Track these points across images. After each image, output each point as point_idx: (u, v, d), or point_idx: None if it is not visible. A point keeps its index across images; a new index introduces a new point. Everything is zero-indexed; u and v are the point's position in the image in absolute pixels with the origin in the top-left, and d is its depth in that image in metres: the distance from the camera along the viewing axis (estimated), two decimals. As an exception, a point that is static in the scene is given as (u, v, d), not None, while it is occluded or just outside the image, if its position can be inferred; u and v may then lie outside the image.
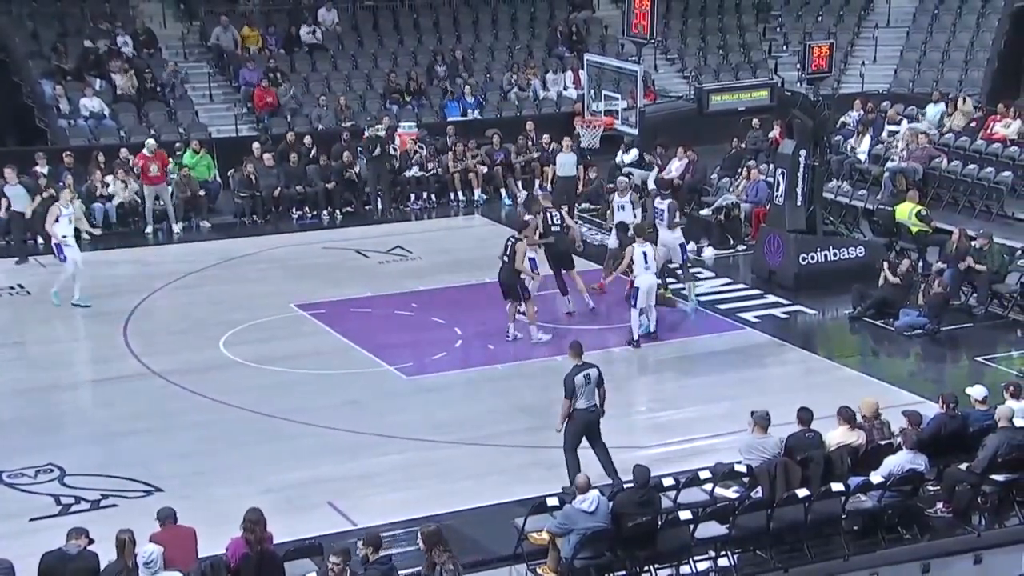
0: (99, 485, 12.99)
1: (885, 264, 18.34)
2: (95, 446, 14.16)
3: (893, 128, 24.13)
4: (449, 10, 31.45)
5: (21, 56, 26.51)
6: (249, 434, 14.35)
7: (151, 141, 22.92)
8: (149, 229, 22.59)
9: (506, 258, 16.66)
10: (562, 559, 10.95)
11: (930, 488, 12.50)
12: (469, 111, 27.99)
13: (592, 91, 20.20)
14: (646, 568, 11.18)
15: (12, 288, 19.33)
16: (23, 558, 10.09)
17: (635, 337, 16.76)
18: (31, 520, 11.98)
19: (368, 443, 14.07)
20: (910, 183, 21.41)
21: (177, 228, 22.69)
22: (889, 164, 22.57)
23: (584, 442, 12.80)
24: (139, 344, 17.07)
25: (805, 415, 12.31)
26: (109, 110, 25.67)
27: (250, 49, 28.14)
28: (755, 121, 24.45)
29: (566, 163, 22.72)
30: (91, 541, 10.12)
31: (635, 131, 19.96)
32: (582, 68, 23.14)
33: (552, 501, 11.44)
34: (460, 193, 24.86)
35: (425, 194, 24.75)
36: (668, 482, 12.01)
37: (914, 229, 20.06)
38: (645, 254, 16.75)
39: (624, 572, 11.18)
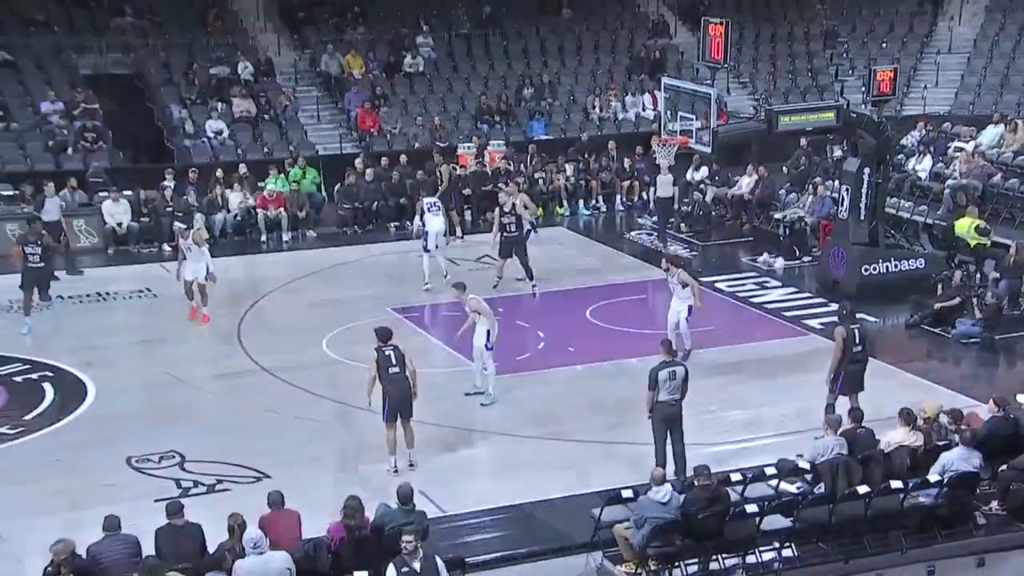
0: (215, 471, 13.19)
1: (939, 286, 18.09)
2: (212, 435, 14.35)
3: (962, 145, 23.59)
4: (537, 37, 31.51)
5: (155, 84, 27.14)
6: (348, 426, 14.44)
7: (271, 186, 23.30)
8: (263, 238, 22.97)
9: (396, 369, 13.10)
10: (633, 547, 10.89)
11: (985, 487, 12.25)
12: (558, 131, 28.03)
13: (668, 112, 20.07)
14: (714, 557, 11.08)
15: (140, 291, 19.75)
16: (148, 534, 10.28)
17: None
18: (155, 501, 12.10)
19: (457, 436, 14.12)
20: (970, 198, 20.98)
21: (286, 237, 23.04)
22: (950, 181, 22.15)
23: None
24: (251, 343, 17.32)
25: (857, 414, 12.58)
26: (228, 131, 26.15)
27: (354, 74, 28.48)
28: (803, 140, 24.16)
29: (663, 183, 22.62)
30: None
31: (708, 149, 19.80)
32: (659, 91, 23.04)
33: (626, 493, 11.39)
34: (542, 208, 24.94)
35: (512, 207, 24.80)
36: (736, 477, 11.91)
37: (972, 242, 19.67)
38: None
39: (695, 561, 11.10)
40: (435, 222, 19.91)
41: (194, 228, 18.44)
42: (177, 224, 19.35)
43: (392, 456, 13.11)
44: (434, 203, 20.38)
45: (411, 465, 13.22)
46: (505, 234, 19.29)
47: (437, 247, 19.88)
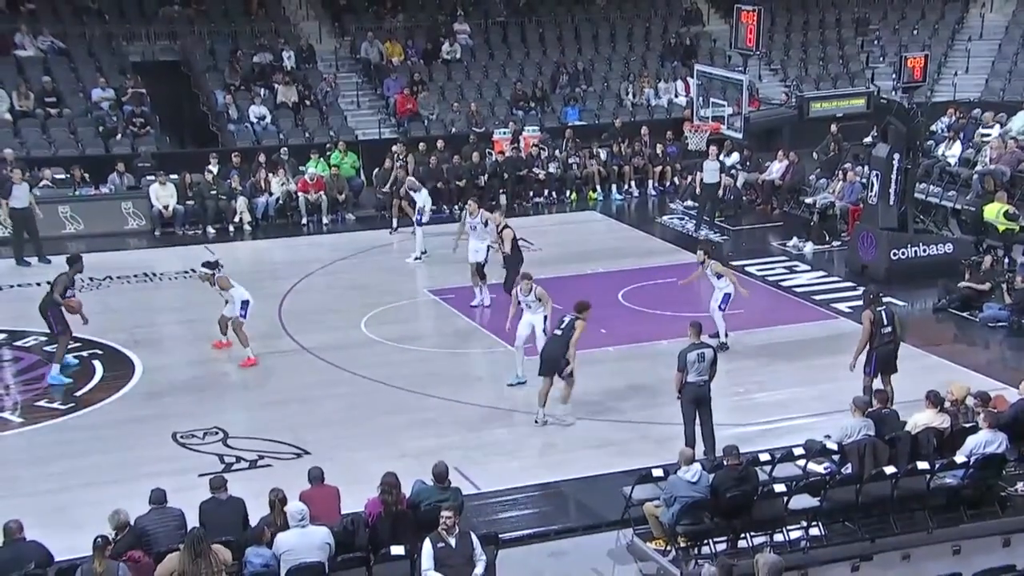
0: (256, 447, 13.28)
1: (968, 270, 17.87)
2: (254, 412, 14.50)
3: (986, 131, 23.30)
4: (571, 25, 31.39)
5: (200, 70, 27.28)
6: (385, 405, 14.52)
7: (312, 170, 23.33)
8: (303, 221, 23.08)
9: (559, 331, 13.80)
10: (663, 524, 10.87)
11: (1011, 469, 12.12)
12: (591, 117, 27.94)
13: (701, 99, 19.94)
14: (742, 535, 11.04)
15: (186, 272, 19.88)
16: (192, 508, 10.37)
17: (723, 337, 16.10)
18: (199, 476, 12.19)
19: (491, 415, 14.13)
20: (998, 184, 20.71)
21: (326, 220, 23.14)
22: (978, 167, 21.87)
23: None
24: (292, 323, 17.40)
25: (883, 395, 12.56)
26: (271, 116, 26.24)
27: (393, 61, 28.49)
28: (833, 127, 23.85)
29: (711, 170, 22.49)
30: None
31: (740, 135, 19.68)
32: (692, 77, 22.92)
33: (657, 472, 11.37)
34: (576, 192, 24.88)
35: (546, 191, 24.82)
36: (764, 457, 11.86)
37: (1001, 227, 19.43)
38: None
39: (723, 539, 11.06)
40: (419, 198, 20.65)
41: (218, 273, 16.10)
42: (202, 270, 16.44)
43: (540, 408, 13.64)
44: (415, 180, 21.23)
45: (536, 421, 13.68)
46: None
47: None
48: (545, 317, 14.69)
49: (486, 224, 17.85)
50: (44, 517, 11.12)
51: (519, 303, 14.82)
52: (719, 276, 16.00)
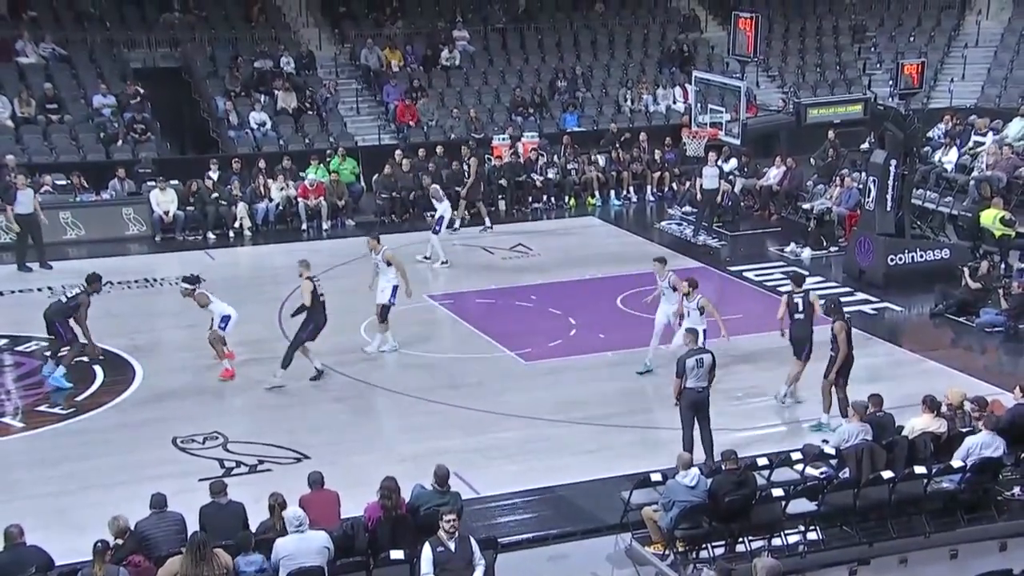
0: (256, 452, 13.27)
1: (965, 270, 17.86)
2: (253, 417, 14.48)
3: (980, 139, 23.34)
4: (570, 31, 31.42)
5: (201, 76, 27.30)
6: (385, 409, 14.57)
7: (312, 176, 23.36)
8: (303, 226, 23.08)
9: (800, 315, 14.22)
10: (662, 528, 10.87)
11: (1008, 473, 12.13)
12: (590, 123, 27.98)
13: (699, 105, 19.96)
14: (741, 540, 11.04)
15: (186, 277, 19.84)
16: (193, 512, 10.36)
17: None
18: (199, 480, 12.13)
19: (490, 420, 14.14)
20: (994, 191, 20.73)
21: (326, 226, 23.14)
22: (974, 173, 21.89)
23: None
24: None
25: (877, 399, 12.46)
26: (271, 122, 26.26)
27: (392, 67, 28.52)
28: (830, 133, 23.81)
29: (710, 175, 22.49)
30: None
31: (738, 142, 19.71)
32: (690, 84, 22.92)
33: (655, 476, 11.37)
34: (574, 198, 24.91)
35: (545, 197, 24.84)
36: (762, 462, 11.86)
37: (997, 233, 19.46)
38: None
39: (722, 543, 11.06)
40: (440, 207, 20.72)
41: (198, 289, 15.93)
42: (182, 285, 16.20)
43: (784, 386, 14.42)
44: (438, 189, 21.30)
45: (775, 397, 14.42)
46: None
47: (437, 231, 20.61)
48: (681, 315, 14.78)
49: (388, 264, 16.41)
50: (45, 520, 11.13)
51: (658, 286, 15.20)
52: (701, 311, 14.41)
